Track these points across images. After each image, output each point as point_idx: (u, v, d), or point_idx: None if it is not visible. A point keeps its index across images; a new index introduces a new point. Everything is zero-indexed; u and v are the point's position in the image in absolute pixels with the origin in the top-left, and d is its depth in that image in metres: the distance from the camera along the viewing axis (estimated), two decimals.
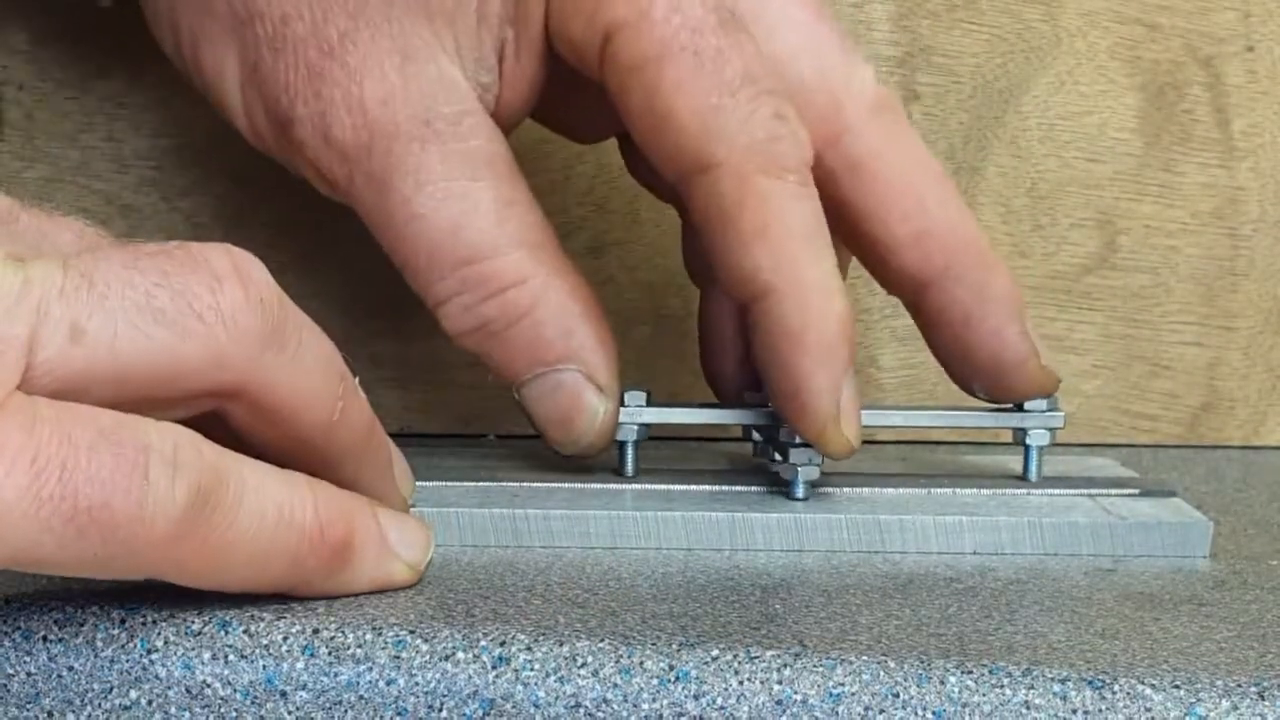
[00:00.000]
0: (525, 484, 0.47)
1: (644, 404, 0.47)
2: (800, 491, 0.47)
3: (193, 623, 0.38)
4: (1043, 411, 0.49)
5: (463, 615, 0.39)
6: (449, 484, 0.47)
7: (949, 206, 0.48)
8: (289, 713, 0.38)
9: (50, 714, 0.38)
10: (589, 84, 0.46)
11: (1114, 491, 0.48)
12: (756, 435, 0.50)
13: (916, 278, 0.48)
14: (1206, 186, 0.60)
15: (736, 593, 0.42)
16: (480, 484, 0.47)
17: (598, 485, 0.47)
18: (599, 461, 0.48)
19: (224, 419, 0.39)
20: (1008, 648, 0.38)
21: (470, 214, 0.45)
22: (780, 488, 0.47)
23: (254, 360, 0.37)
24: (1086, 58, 0.60)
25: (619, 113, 0.45)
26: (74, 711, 0.38)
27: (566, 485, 0.47)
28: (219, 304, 0.37)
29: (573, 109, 0.50)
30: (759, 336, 0.45)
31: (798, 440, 0.46)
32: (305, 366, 0.38)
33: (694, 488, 0.47)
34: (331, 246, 0.58)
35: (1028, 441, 0.49)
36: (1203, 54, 0.60)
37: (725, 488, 0.48)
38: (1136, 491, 0.49)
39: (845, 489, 0.48)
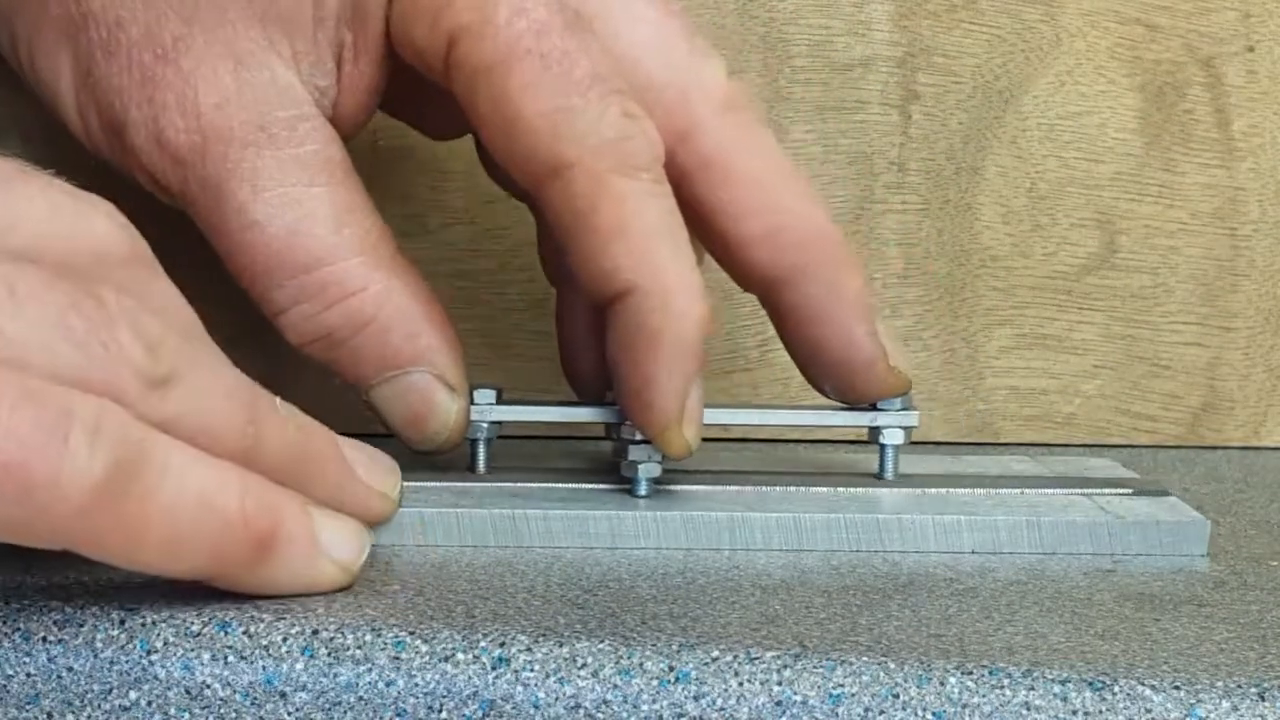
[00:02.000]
0: (525, 484, 0.47)
1: (494, 401, 0.47)
2: (643, 489, 0.47)
3: (192, 624, 0.38)
4: (896, 410, 0.48)
5: (462, 616, 0.39)
6: (444, 484, 0.47)
7: (802, 203, 0.48)
8: (289, 713, 0.38)
9: (50, 715, 0.38)
10: (438, 85, 0.46)
11: (1111, 491, 0.48)
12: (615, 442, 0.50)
13: (769, 275, 0.47)
14: (1206, 187, 0.60)
15: (736, 593, 0.42)
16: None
17: (601, 485, 0.47)
18: (452, 460, 0.48)
19: None
20: (1008, 649, 0.38)
21: (307, 220, 0.45)
22: (625, 485, 0.47)
23: (145, 399, 0.37)
24: (1086, 58, 0.60)
25: (468, 117, 0.45)
26: (74, 712, 0.38)
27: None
28: (118, 337, 0.37)
29: (425, 108, 0.50)
30: (615, 333, 0.45)
31: (638, 438, 0.46)
32: (201, 403, 0.38)
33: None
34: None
35: (882, 441, 0.49)
36: (1203, 54, 0.60)
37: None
38: (1131, 491, 0.49)
39: (838, 489, 0.48)
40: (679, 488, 0.47)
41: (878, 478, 0.49)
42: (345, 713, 0.37)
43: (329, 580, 0.40)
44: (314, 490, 0.41)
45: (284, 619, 0.38)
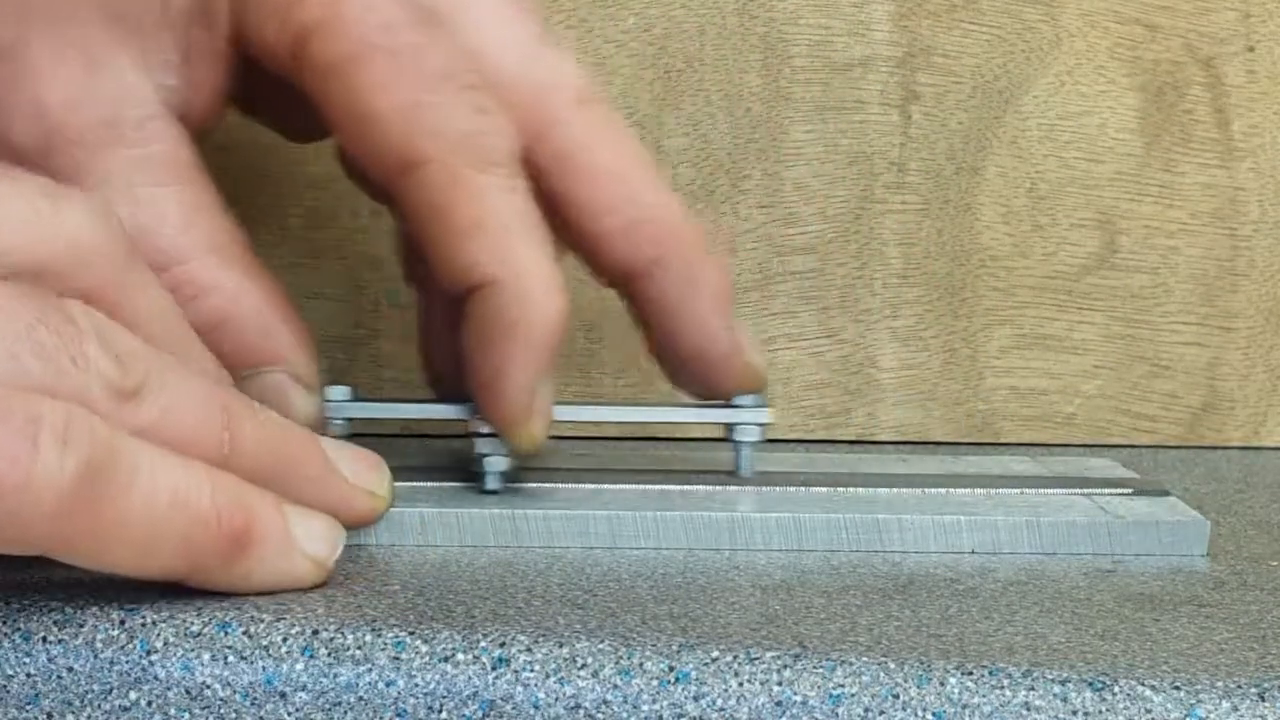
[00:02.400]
0: (523, 485, 0.47)
1: (348, 399, 0.47)
2: (491, 483, 0.47)
3: (192, 624, 0.38)
4: (750, 407, 0.48)
5: (462, 616, 0.39)
6: (441, 485, 0.47)
7: (659, 196, 0.47)
8: (288, 714, 0.38)
9: (50, 715, 0.38)
10: (293, 85, 0.46)
11: (1110, 491, 0.48)
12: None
13: (627, 269, 0.47)
14: (1206, 187, 0.60)
15: (736, 594, 0.42)
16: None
17: (639, 486, 0.48)
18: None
19: None
20: (1008, 649, 0.38)
21: (157, 220, 0.45)
22: (765, 487, 0.47)
23: (117, 412, 0.38)
24: (1086, 58, 0.60)
25: (322, 115, 0.45)
26: (74, 713, 0.38)
27: (609, 487, 0.47)
28: (86, 350, 0.37)
29: (283, 109, 0.49)
30: (471, 324, 0.45)
31: (485, 430, 0.46)
32: (173, 412, 0.39)
33: (693, 488, 0.48)
34: (331, 247, 0.58)
35: (736, 437, 0.49)
36: (1203, 54, 0.60)
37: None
38: (1131, 491, 0.49)
39: (837, 489, 0.48)
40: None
41: (732, 474, 0.49)
42: (345, 713, 0.37)
43: (304, 576, 0.40)
44: (294, 491, 0.41)
45: (284, 619, 0.38)
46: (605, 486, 0.47)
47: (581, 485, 0.47)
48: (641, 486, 0.47)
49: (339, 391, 0.47)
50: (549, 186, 0.47)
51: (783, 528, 0.45)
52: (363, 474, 0.43)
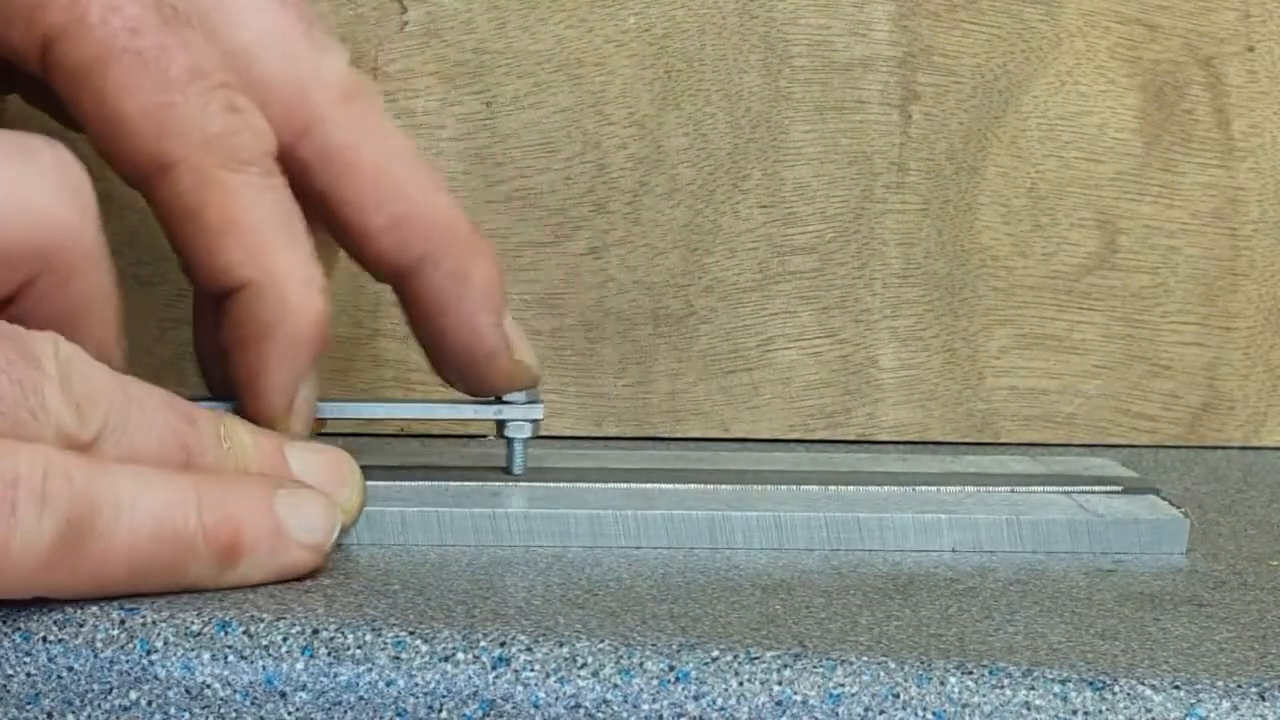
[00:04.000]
0: (505, 484, 0.47)
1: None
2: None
3: (192, 623, 0.38)
4: (522, 404, 0.48)
5: (463, 616, 0.39)
6: (433, 484, 0.47)
7: (426, 191, 0.47)
8: (288, 713, 0.38)
9: (50, 715, 0.38)
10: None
11: (1092, 489, 0.48)
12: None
13: (395, 265, 0.47)
14: (1207, 187, 0.60)
15: (736, 593, 0.42)
16: (490, 483, 0.47)
17: (621, 485, 0.48)
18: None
19: None
20: (1008, 648, 0.38)
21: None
22: (751, 485, 0.48)
23: (76, 464, 0.38)
24: (1086, 58, 0.60)
25: (73, 117, 0.45)
26: (74, 712, 0.38)
27: (595, 486, 0.47)
28: (46, 402, 0.38)
29: (52, 102, 0.49)
30: (228, 324, 0.44)
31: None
32: (133, 454, 0.39)
33: (673, 486, 0.48)
34: (335, 247, 0.58)
35: (508, 434, 0.48)
36: (1203, 54, 0.60)
37: (701, 486, 0.48)
38: (1120, 489, 0.49)
39: (828, 487, 0.48)
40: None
41: (506, 471, 0.48)
42: (345, 712, 0.37)
43: (301, 565, 0.41)
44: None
45: (284, 619, 0.38)
46: (592, 485, 0.47)
47: (570, 485, 0.48)
48: (626, 485, 0.48)
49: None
50: (314, 185, 0.46)
51: (763, 526, 0.45)
52: (330, 486, 0.43)
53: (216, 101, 0.44)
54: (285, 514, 0.41)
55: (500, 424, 0.48)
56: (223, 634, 0.38)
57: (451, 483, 0.47)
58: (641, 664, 0.37)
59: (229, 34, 0.46)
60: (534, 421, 0.48)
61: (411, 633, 0.38)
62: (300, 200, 0.45)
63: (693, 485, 0.48)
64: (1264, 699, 0.36)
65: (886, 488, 0.48)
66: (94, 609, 0.38)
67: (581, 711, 0.37)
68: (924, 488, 0.48)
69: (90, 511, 0.37)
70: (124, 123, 0.43)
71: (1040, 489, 0.48)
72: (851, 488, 0.48)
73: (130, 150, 0.44)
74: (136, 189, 0.45)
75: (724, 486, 0.48)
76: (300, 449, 0.43)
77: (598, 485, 0.48)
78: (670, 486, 0.48)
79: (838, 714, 0.37)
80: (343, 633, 0.38)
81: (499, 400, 0.48)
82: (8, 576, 0.36)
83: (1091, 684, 0.37)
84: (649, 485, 0.48)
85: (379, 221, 0.46)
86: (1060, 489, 0.49)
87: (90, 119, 0.44)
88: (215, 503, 0.39)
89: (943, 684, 0.37)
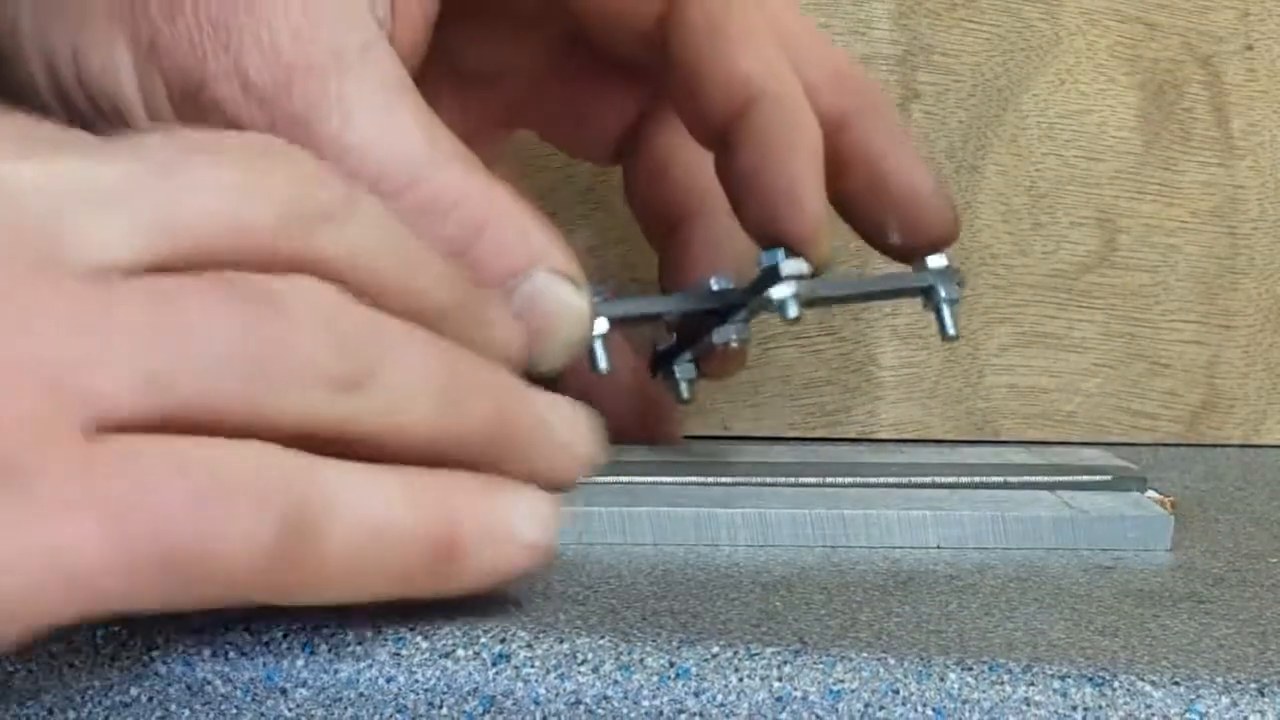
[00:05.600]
0: None
1: (606, 297, 0.46)
2: (792, 310, 0.46)
3: (193, 620, 0.38)
4: (943, 267, 0.48)
5: (463, 612, 0.39)
6: None
7: (838, 50, 0.50)
8: (289, 710, 0.38)
9: (51, 711, 0.38)
10: (575, 76, 0.47)
11: (1079, 479, 0.49)
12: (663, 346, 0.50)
13: (835, 116, 0.48)
14: (1206, 185, 0.61)
15: (737, 589, 0.42)
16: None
17: (608, 479, 0.47)
18: None
19: None
20: (1008, 644, 0.38)
21: (402, 138, 0.44)
22: (740, 481, 0.48)
23: (342, 408, 0.36)
24: (1086, 56, 0.60)
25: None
26: (74, 708, 0.38)
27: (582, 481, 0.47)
28: (304, 354, 0.35)
29: (570, 112, 0.50)
30: (747, 147, 0.45)
31: (787, 258, 0.45)
32: (401, 394, 0.37)
33: (658, 481, 0.48)
34: None
35: (940, 296, 0.48)
36: (1202, 53, 0.60)
37: (687, 482, 0.48)
38: (1109, 477, 0.49)
39: (818, 485, 0.48)
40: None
41: (943, 337, 0.48)
42: (346, 709, 0.37)
43: (522, 565, 0.38)
44: (505, 465, 0.39)
45: (285, 615, 0.38)
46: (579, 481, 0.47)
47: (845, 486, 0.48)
48: (614, 480, 0.48)
49: (596, 290, 0.46)
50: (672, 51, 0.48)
51: (749, 523, 0.45)
52: (578, 435, 0.41)
53: None
54: (504, 508, 0.38)
55: (926, 290, 0.48)
56: (223, 630, 0.38)
57: None
58: (642, 660, 0.37)
59: None
60: (960, 284, 0.48)
61: (412, 629, 0.38)
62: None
63: (680, 479, 0.48)
64: (1263, 695, 0.36)
65: (875, 479, 0.48)
66: None
67: (582, 708, 0.37)
68: (916, 489, 0.48)
69: (306, 509, 0.35)
70: None
71: (1029, 478, 0.49)
72: (843, 482, 0.48)
73: None
74: (643, 44, 0.47)
75: (709, 479, 0.48)
76: (543, 394, 0.41)
77: (584, 481, 0.47)
78: (653, 479, 0.48)
79: (838, 710, 0.37)
80: (343, 629, 0.38)
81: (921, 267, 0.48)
82: (226, 580, 0.34)
83: (1091, 680, 0.37)
84: (633, 478, 0.48)
85: (820, 75, 0.48)
86: (1047, 479, 0.49)
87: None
88: (432, 500, 0.37)
89: (943, 680, 0.37)
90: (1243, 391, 0.61)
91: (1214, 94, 0.60)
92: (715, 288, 0.48)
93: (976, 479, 0.49)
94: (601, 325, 0.46)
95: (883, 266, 0.52)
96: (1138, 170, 0.60)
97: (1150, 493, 0.49)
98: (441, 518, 0.37)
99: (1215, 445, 0.61)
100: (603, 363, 0.46)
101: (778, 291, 0.45)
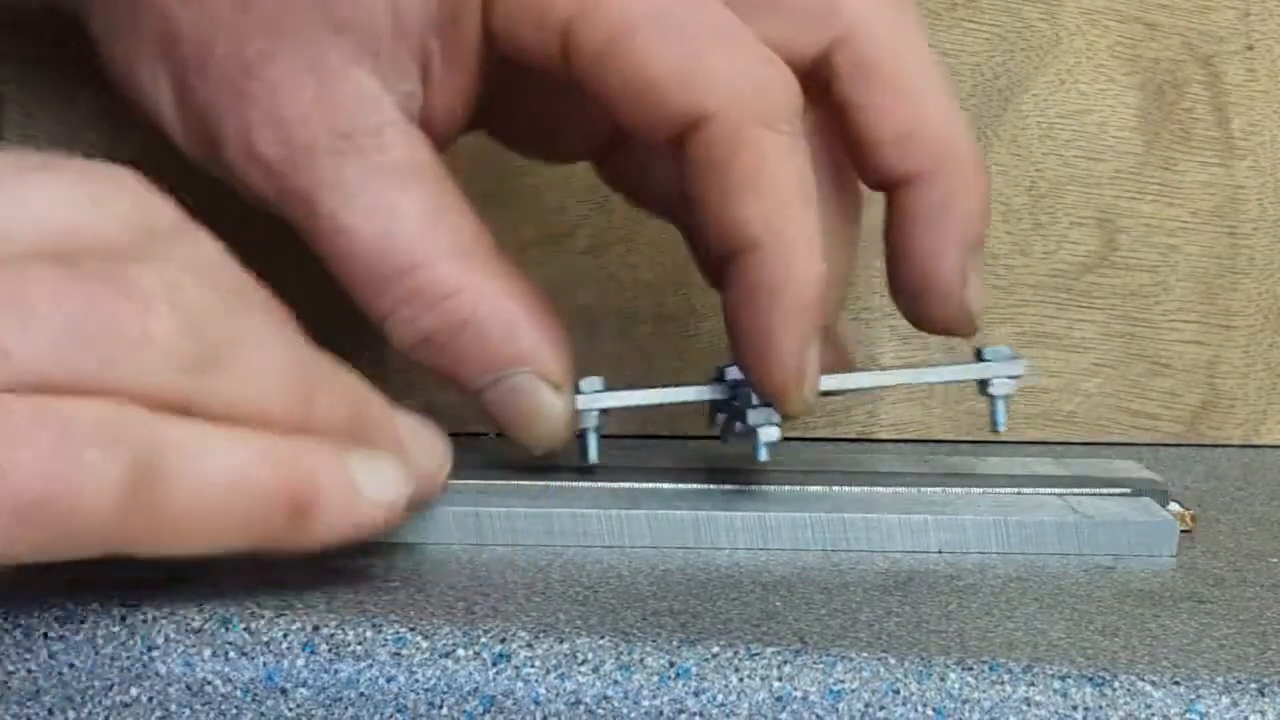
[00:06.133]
0: (491, 481, 0.47)
1: (600, 389, 0.47)
2: (763, 454, 0.46)
3: (193, 620, 0.38)
4: (1004, 359, 0.48)
5: (463, 612, 0.39)
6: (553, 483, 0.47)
7: (941, 108, 0.47)
8: (289, 710, 0.38)
9: (51, 711, 0.38)
10: (548, 89, 0.46)
11: (1083, 490, 0.48)
12: (720, 416, 0.50)
13: (889, 176, 0.47)
14: (1206, 185, 0.61)
15: (737, 589, 0.42)
16: (474, 481, 0.47)
17: (611, 484, 0.47)
18: (567, 458, 0.48)
19: None
20: (1008, 644, 0.38)
21: (398, 225, 0.45)
22: (742, 485, 0.47)
23: (188, 386, 0.37)
24: (1086, 56, 0.60)
25: (601, 103, 0.44)
26: (74, 709, 0.38)
27: (580, 484, 0.47)
28: (149, 330, 0.36)
29: (536, 119, 0.49)
30: (734, 291, 0.44)
31: (755, 402, 0.46)
32: (251, 380, 0.38)
33: (658, 485, 0.48)
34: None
35: (991, 392, 0.48)
36: (1202, 53, 0.60)
37: (687, 485, 0.48)
38: (1128, 491, 0.49)
39: (818, 487, 0.48)
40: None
41: (993, 430, 0.48)
42: (346, 709, 0.37)
43: (374, 523, 0.39)
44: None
45: (285, 615, 0.38)
46: (579, 483, 0.47)
47: (559, 483, 0.47)
48: (612, 484, 0.48)
49: (592, 383, 0.46)
50: (836, 90, 0.46)
51: (748, 526, 0.45)
52: (425, 453, 0.42)
53: (750, 55, 0.44)
54: (357, 468, 0.39)
55: (983, 383, 0.48)
56: (224, 630, 0.38)
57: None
58: (642, 660, 0.37)
59: None
60: (1015, 377, 0.48)
61: (412, 629, 0.38)
62: (814, 106, 0.45)
63: (679, 484, 0.48)
64: (1263, 695, 0.36)
65: (870, 487, 0.48)
66: (95, 605, 0.38)
67: (582, 708, 0.37)
68: (918, 492, 0.48)
69: (158, 454, 0.36)
70: (654, 86, 0.43)
71: (1028, 490, 0.48)
72: (834, 487, 0.48)
73: (664, 113, 0.43)
74: (663, 150, 0.45)
75: (713, 485, 0.48)
76: (398, 414, 0.42)
77: (583, 483, 0.47)
78: (650, 485, 0.48)
79: (838, 710, 0.37)
80: (343, 629, 0.38)
81: (978, 357, 0.48)
82: (80, 526, 0.35)
83: (1091, 680, 0.37)
84: (633, 484, 0.48)
85: (889, 134, 0.46)
86: (1051, 490, 0.48)
87: (618, 95, 0.44)
88: (286, 454, 0.38)
89: (943, 680, 0.37)
90: (1243, 391, 0.61)
91: (1214, 94, 0.60)
92: (729, 378, 0.48)
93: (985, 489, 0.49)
94: (592, 419, 0.47)
95: None
96: (1138, 170, 0.60)
97: (1173, 505, 0.48)
98: (294, 472, 0.38)
99: (1215, 445, 0.61)
100: (593, 455, 0.47)
101: (765, 434, 0.46)
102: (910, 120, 0.46)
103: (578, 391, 0.46)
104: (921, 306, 0.47)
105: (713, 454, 0.52)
